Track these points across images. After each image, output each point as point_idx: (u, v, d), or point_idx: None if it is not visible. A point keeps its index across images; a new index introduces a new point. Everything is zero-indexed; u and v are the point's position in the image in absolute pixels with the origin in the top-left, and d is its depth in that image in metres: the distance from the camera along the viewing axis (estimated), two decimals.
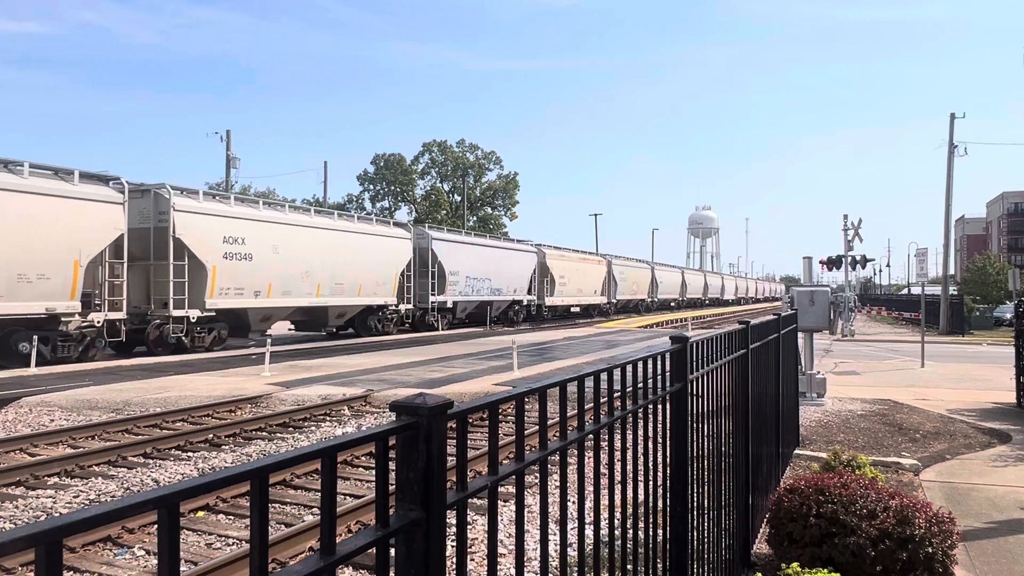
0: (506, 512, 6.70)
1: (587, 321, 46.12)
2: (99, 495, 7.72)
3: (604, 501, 2.53)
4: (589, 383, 2.42)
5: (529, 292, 43.00)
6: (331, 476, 1.29)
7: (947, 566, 4.39)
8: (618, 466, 2.64)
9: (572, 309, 51.15)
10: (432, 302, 33.79)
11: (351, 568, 5.66)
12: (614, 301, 55.55)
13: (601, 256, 55.82)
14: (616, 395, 2.60)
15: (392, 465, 1.45)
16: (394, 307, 31.75)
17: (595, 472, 2.43)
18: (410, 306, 33.14)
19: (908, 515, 4.42)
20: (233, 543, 6.23)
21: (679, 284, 73.00)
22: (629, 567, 2.72)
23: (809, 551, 4.54)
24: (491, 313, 39.28)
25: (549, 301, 45.02)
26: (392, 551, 1.41)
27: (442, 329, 35.08)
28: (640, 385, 2.84)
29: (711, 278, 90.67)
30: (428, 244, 33.66)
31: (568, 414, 6.00)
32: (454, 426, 1.62)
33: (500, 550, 5.33)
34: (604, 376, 2.50)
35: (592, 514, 2.44)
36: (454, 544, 2.01)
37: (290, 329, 30.46)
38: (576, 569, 2.24)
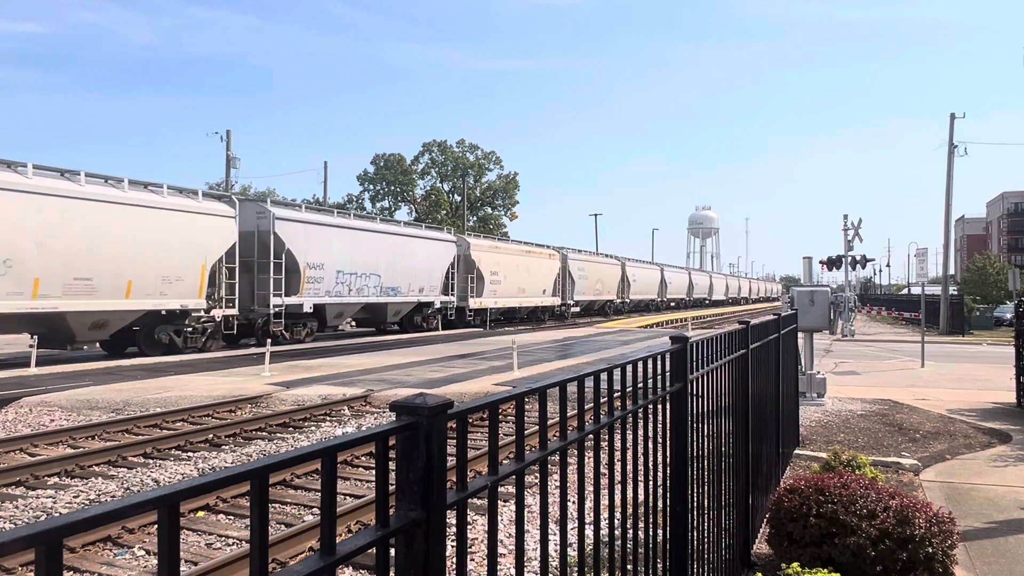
0: (506, 512, 6.70)
1: (587, 321, 46.11)
2: (99, 495, 7.72)
3: (604, 501, 2.52)
4: (589, 383, 2.42)
5: (446, 291, 34.51)
6: (331, 476, 1.29)
7: (947, 566, 4.39)
8: (618, 466, 2.64)
9: (513, 311, 42.61)
10: (276, 307, 24.41)
11: (351, 568, 5.66)
12: (571, 302, 47.60)
13: (554, 249, 47.09)
14: (616, 395, 2.60)
15: (392, 465, 1.45)
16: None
17: (595, 472, 2.43)
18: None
19: (908, 515, 4.42)
20: (233, 543, 6.23)
21: (658, 283, 67.70)
22: (629, 567, 2.72)
23: (809, 551, 4.54)
24: (387, 318, 31.51)
25: (475, 303, 36.93)
26: (392, 551, 1.41)
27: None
28: (640, 385, 2.84)
29: (697, 276, 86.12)
30: (269, 226, 24.41)
31: (568, 414, 6.00)
32: (454, 426, 1.62)
33: (500, 550, 5.33)
34: (604, 376, 2.50)
35: (592, 514, 2.44)
36: (454, 544, 2.01)
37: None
38: (576, 569, 2.24)
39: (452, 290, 34.80)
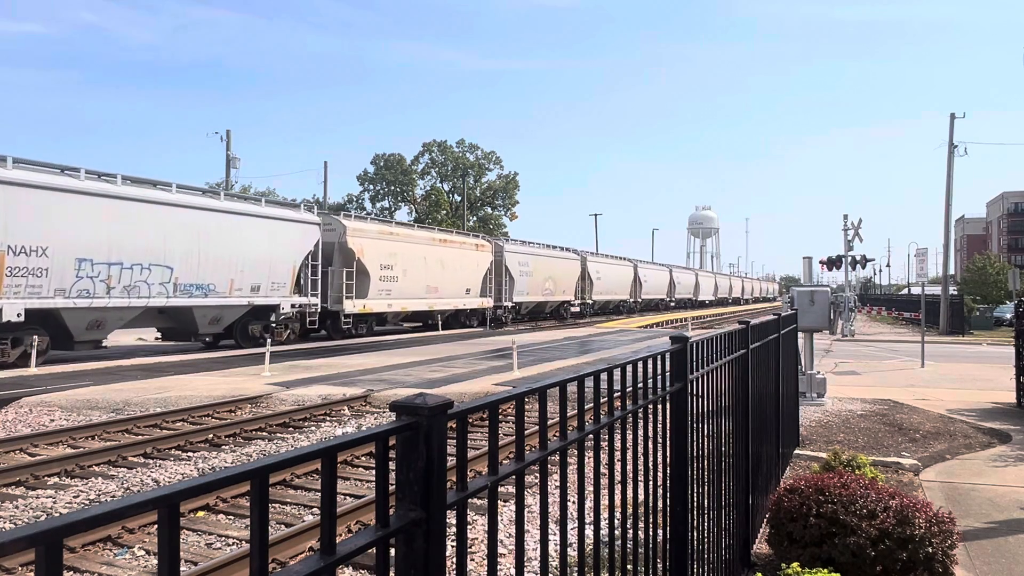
0: (506, 512, 6.70)
1: (588, 321, 46.13)
2: (99, 495, 7.72)
3: (604, 501, 2.53)
4: (589, 383, 2.42)
5: (298, 288, 25.30)
6: (331, 476, 1.29)
7: (947, 566, 4.39)
8: (618, 466, 2.64)
9: (403, 316, 32.54)
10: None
11: (351, 568, 5.66)
12: (509, 305, 39.75)
13: (484, 239, 40.00)
14: (616, 395, 2.60)
15: (392, 465, 1.45)
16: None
17: (595, 472, 2.43)
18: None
19: (908, 515, 4.42)
20: (233, 543, 6.23)
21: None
22: (629, 567, 2.72)
23: (809, 551, 4.54)
24: (200, 327, 22.34)
25: (351, 307, 27.55)
26: (392, 551, 1.42)
27: None
28: (640, 385, 2.84)
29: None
30: None
31: (568, 414, 6.00)
32: (454, 426, 1.62)
33: (500, 550, 5.34)
34: (604, 376, 2.50)
35: (592, 514, 2.44)
36: (454, 544, 2.01)
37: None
38: (576, 569, 2.24)
39: (307, 290, 25.97)
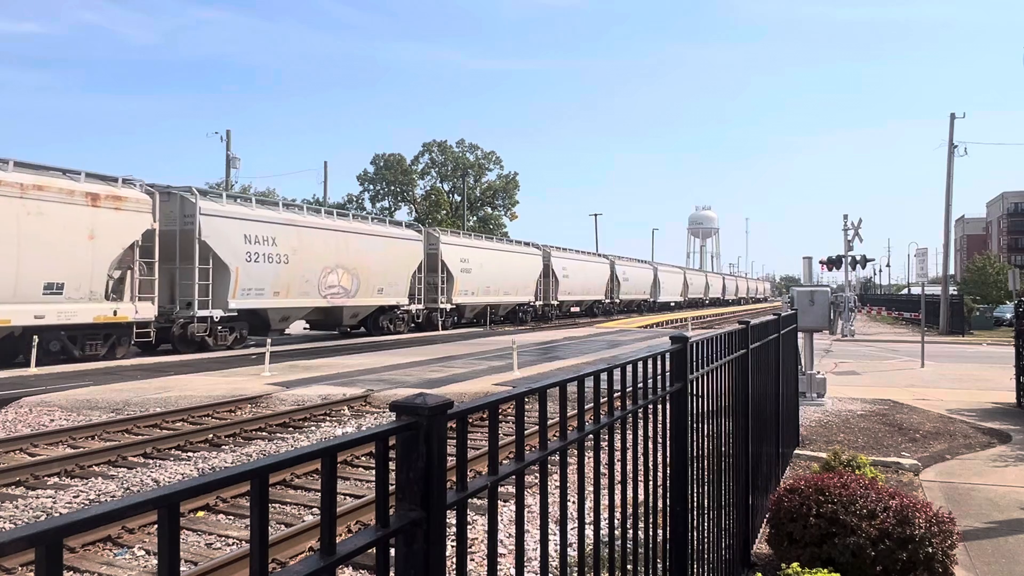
0: (506, 512, 6.70)
1: (588, 321, 46.09)
2: (99, 495, 7.72)
3: (604, 501, 2.52)
4: (589, 383, 2.42)
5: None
6: (331, 476, 1.29)
7: (947, 566, 4.39)
8: (618, 466, 2.64)
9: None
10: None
11: (351, 568, 5.66)
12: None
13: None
14: (616, 395, 2.60)
15: (392, 465, 1.45)
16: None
17: (595, 472, 2.43)
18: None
19: (908, 515, 4.42)
20: (233, 543, 6.23)
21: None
22: (629, 567, 2.72)
23: (809, 551, 4.54)
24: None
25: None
26: (392, 551, 1.42)
27: None
28: (640, 385, 2.84)
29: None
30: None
31: (568, 414, 6.00)
32: (454, 426, 1.62)
33: (500, 550, 5.33)
34: (604, 376, 2.50)
35: (592, 514, 2.44)
36: (454, 544, 2.01)
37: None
38: (576, 569, 2.24)
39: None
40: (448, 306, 35.82)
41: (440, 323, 35.50)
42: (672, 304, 68.83)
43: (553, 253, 45.79)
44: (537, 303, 44.97)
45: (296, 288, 26.06)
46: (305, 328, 31.89)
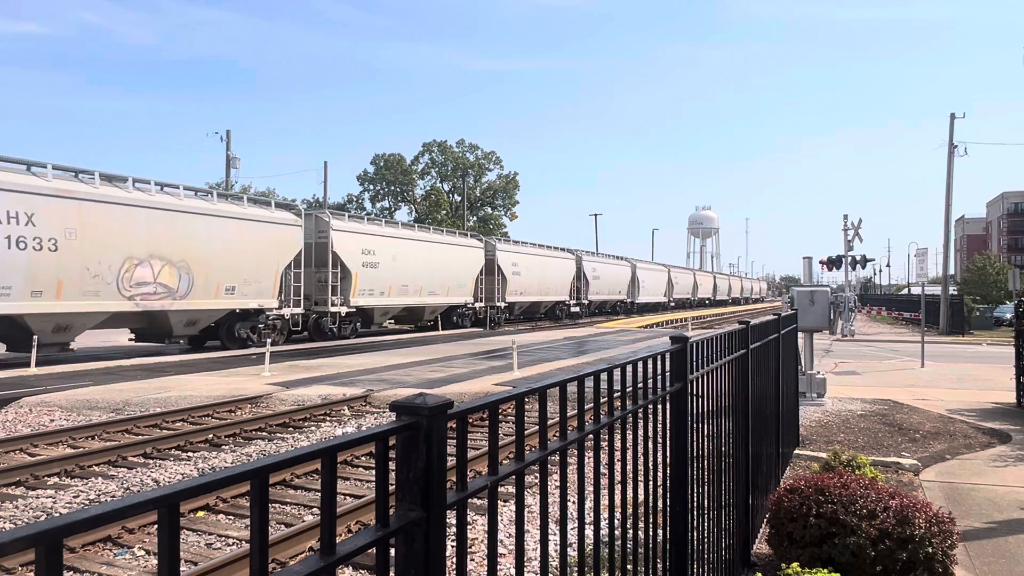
0: (506, 512, 6.70)
1: (588, 321, 46.10)
2: (99, 495, 7.72)
3: (604, 501, 2.52)
4: (589, 383, 2.41)
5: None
6: (331, 476, 1.29)
7: (947, 566, 4.39)
8: (618, 466, 2.64)
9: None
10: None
11: (351, 568, 5.66)
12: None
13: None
14: (616, 395, 2.60)
15: (392, 465, 1.45)
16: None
17: (595, 472, 2.42)
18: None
19: (908, 515, 4.42)
20: (233, 543, 6.23)
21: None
22: (629, 567, 2.72)
23: (809, 551, 4.54)
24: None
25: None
26: (392, 551, 1.41)
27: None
28: (640, 385, 2.83)
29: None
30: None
31: (568, 414, 6.00)
32: (454, 426, 1.62)
33: (500, 550, 5.33)
34: (604, 376, 2.50)
35: (592, 514, 2.44)
36: (454, 544, 2.01)
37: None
38: (576, 569, 2.24)
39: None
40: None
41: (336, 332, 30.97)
42: (654, 305, 64.57)
43: (499, 246, 41.02)
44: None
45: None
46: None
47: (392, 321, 35.40)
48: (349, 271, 28.04)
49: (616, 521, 2.60)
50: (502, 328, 38.61)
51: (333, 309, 27.62)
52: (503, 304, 40.24)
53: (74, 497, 7.64)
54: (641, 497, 2.87)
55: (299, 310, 26.44)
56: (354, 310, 28.65)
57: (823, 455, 7.39)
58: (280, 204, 27.19)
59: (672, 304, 69.70)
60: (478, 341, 27.21)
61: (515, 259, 41.75)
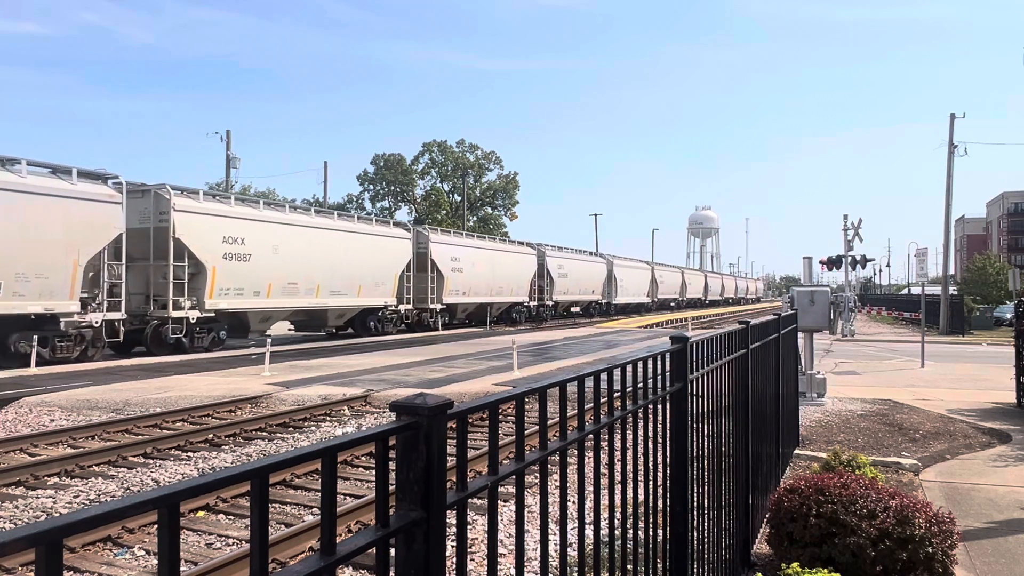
0: (506, 512, 6.70)
1: (588, 321, 46.12)
2: (99, 495, 7.72)
3: (604, 501, 2.52)
4: (589, 383, 2.42)
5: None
6: (331, 476, 1.29)
7: (947, 566, 4.39)
8: (618, 466, 2.64)
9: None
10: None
11: (351, 568, 5.66)
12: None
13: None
14: (616, 395, 2.60)
15: (392, 465, 1.45)
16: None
17: (595, 472, 2.42)
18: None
19: (908, 515, 4.42)
20: (233, 543, 6.23)
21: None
22: (629, 567, 2.72)
23: (809, 551, 4.54)
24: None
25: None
26: (392, 551, 1.41)
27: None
28: (640, 385, 2.83)
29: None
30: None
31: (568, 414, 6.00)
32: (454, 426, 1.62)
33: (500, 550, 5.33)
34: (604, 376, 2.50)
35: (592, 514, 2.44)
36: (454, 544, 2.01)
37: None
38: (576, 569, 2.24)
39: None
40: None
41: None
42: (636, 307, 60.62)
43: (433, 237, 35.58)
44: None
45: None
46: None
47: (293, 327, 30.12)
48: (203, 265, 22.29)
49: (616, 521, 2.60)
50: (502, 328, 38.58)
51: (178, 314, 21.59)
52: (439, 306, 34.55)
53: (74, 497, 7.64)
54: (641, 497, 2.87)
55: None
56: (212, 314, 22.82)
57: (823, 455, 7.38)
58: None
59: (655, 306, 64.88)
60: (478, 341, 27.22)
61: (455, 252, 35.81)
